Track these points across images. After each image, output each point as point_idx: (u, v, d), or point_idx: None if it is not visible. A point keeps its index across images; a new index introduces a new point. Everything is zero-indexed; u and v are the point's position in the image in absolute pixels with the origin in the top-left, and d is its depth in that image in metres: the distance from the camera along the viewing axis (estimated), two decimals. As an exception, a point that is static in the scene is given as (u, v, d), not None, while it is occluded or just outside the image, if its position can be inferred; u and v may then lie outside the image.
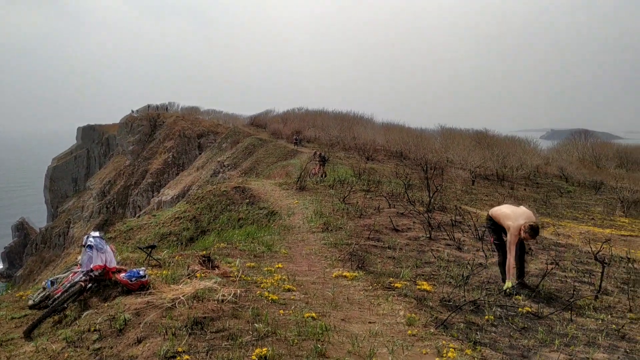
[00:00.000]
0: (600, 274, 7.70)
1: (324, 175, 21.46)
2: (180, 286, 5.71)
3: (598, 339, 5.46)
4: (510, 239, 6.99)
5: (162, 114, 77.12)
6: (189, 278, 6.08)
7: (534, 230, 6.81)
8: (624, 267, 9.58)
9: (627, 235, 20.59)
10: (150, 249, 7.40)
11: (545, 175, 38.94)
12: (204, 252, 7.46)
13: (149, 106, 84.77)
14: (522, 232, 6.87)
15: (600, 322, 6.12)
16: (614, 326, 6.00)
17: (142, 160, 67.48)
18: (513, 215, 7.11)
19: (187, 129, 68.78)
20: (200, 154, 64.20)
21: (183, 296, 5.29)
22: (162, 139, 69.27)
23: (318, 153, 25.13)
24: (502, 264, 7.33)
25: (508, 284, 6.98)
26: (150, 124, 73.56)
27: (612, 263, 9.69)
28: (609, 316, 6.39)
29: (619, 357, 4.96)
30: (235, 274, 6.44)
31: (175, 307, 5.08)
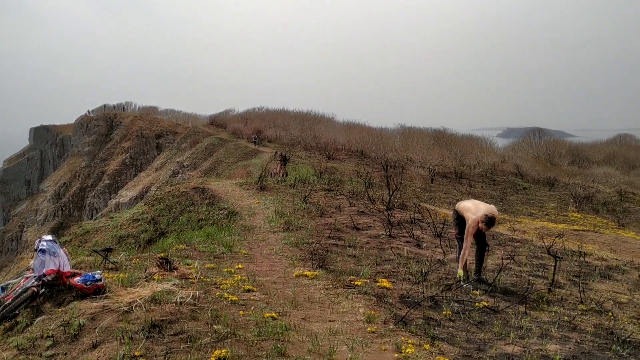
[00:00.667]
0: (553, 268, 7.94)
1: (285, 175, 21.43)
2: (138, 289, 5.60)
3: (551, 331, 5.63)
4: (468, 229, 7.19)
5: (119, 113, 75.52)
6: (146, 281, 5.97)
7: (490, 219, 7.04)
8: (576, 260, 9.92)
9: (579, 230, 21.31)
10: (106, 252, 7.24)
11: (502, 173, 39.88)
12: (162, 254, 7.33)
13: (105, 106, 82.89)
14: (479, 223, 7.08)
15: (553, 314, 6.32)
16: (566, 318, 6.20)
17: (98, 161, 65.92)
18: (474, 208, 7.34)
19: (145, 129, 67.54)
20: (158, 154, 63.13)
21: (140, 299, 5.19)
22: (119, 140, 67.83)
23: (279, 153, 25.08)
24: (461, 258, 7.49)
25: (460, 272, 7.17)
26: (107, 124, 71.94)
27: (565, 257, 10.02)
28: (562, 308, 6.60)
29: (570, 348, 5.13)
30: (194, 275, 6.36)
31: (132, 310, 4.98)
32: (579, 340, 5.42)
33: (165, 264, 6.51)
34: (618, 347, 5.26)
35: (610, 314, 6.60)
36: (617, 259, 11.24)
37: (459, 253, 7.53)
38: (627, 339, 5.53)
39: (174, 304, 5.13)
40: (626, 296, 7.62)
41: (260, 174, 18.44)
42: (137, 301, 5.15)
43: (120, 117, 73.29)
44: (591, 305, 6.82)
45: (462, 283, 7.12)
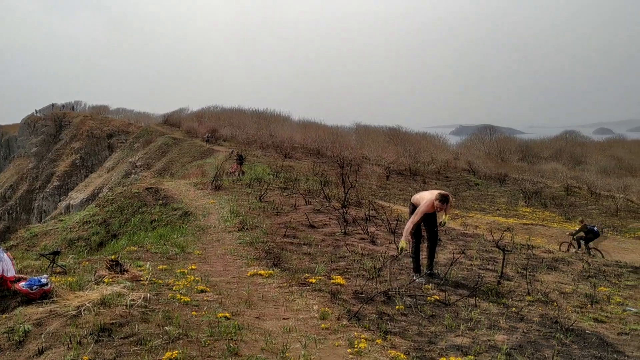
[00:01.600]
0: (502, 261, 8.18)
1: (241, 174, 21.29)
2: (86, 293, 5.46)
3: (499, 322, 5.80)
4: (420, 208, 7.33)
5: (68, 113, 73.26)
6: (96, 284, 5.83)
7: (443, 196, 7.25)
8: (524, 253, 10.24)
9: (528, 224, 22.03)
10: (54, 255, 7.03)
11: (455, 170, 40.76)
12: (113, 256, 7.17)
13: (53, 105, 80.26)
14: (435, 201, 7.25)
15: (501, 306, 6.51)
16: (514, 309, 6.39)
17: (47, 162, 63.78)
18: (429, 194, 7.50)
19: (96, 129, 65.78)
20: (110, 154, 61.61)
21: (89, 303, 5.06)
22: (68, 140, 65.81)
23: (236, 152, 24.86)
24: (414, 253, 7.61)
25: (402, 243, 7.28)
26: (56, 124, 69.71)
27: (514, 250, 10.33)
28: (510, 300, 6.80)
29: (517, 338, 5.30)
30: (146, 277, 6.25)
31: (81, 314, 4.85)
32: (525, 330, 5.60)
33: (116, 267, 6.37)
34: (562, 336, 5.47)
35: (555, 304, 6.85)
36: (563, 251, 11.68)
37: (413, 248, 7.66)
38: (571, 327, 5.76)
39: (124, 307, 5.03)
40: (571, 287, 7.91)
41: (215, 173, 18.26)
42: (85, 305, 5.02)
43: (70, 116, 71.13)
44: (538, 296, 7.06)
45: (402, 255, 7.28)
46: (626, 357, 5.09)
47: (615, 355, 5.09)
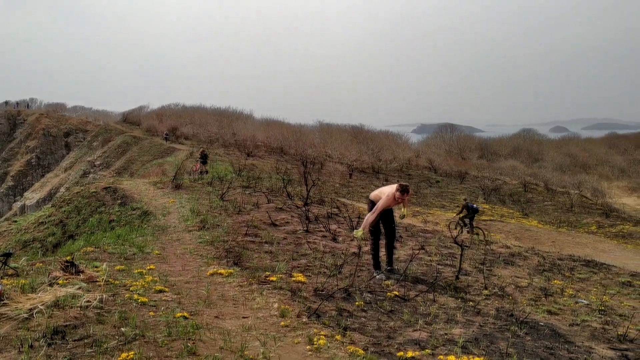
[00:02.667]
0: (460, 257, 8.35)
1: (205, 173, 21.02)
2: (39, 295, 5.31)
3: (456, 316, 5.92)
4: (380, 201, 7.40)
5: (23, 111, 70.99)
6: (49, 286, 5.68)
7: (403, 187, 7.34)
8: (482, 249, 10.47)
9: (487, 220, 22.51)
10: (5, 257, 6.80)
11: (416, 167, 41.30)
12: (68, 257, 6.99)
13: (6, 103, 77.64)
14: (395, 192, 7.33)
15: (459, 300, 6.64)
16: (471, 303, 6.54)
17: (0, 162, 61.70)
18: (390, 188, 7.57)
19: (52, 127, 63.96)
20: (67, 153, 60.02)
21: (42, 305, 4.93)
22: (23, 139, 63.78)
23: (201, 150, 24.47)
24: (373, 249, 7.69)
25: (359, 232, 7.38)
26: (9, 122, 67.47)
27: (472, 246, 10.55)
28: (467, 294, 6.95)
29: (473, 331, 5.42)
30: (102, 278, 6.12)
31: (33, 317, 4.72)
32: (481, 324, 5.73)
33: (71, 268, 6.22)
34: (516, 328, 5.62)
35: (510, 297, 7.03)
36: (519, 246, 11.98)
37: (371, 246, 7.73)
38: (525, 320, 5.92)
39: (79, 308, 4.92)
40: (526, 280, 8.14)
41: (175, 172, 18.01)
42: (38, 307, 4.88)
43: (24, 114, 68.95)
44: (494, 290, 7.23)
45: (358, 241, 7.35)
46: (576, 347, 5.26)
47: (566, 346, 5.26)
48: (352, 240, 9.88)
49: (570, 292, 7.59)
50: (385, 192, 7.60)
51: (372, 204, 7.81)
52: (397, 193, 7.36)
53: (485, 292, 7.13)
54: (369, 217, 7.46)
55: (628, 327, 5.90)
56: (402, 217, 7.92)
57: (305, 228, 10.46)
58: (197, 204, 12.54)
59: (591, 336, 5.68)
